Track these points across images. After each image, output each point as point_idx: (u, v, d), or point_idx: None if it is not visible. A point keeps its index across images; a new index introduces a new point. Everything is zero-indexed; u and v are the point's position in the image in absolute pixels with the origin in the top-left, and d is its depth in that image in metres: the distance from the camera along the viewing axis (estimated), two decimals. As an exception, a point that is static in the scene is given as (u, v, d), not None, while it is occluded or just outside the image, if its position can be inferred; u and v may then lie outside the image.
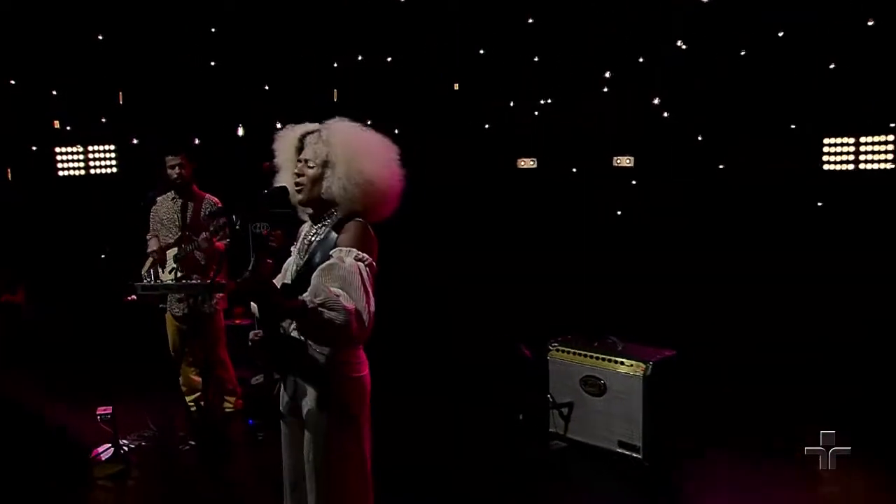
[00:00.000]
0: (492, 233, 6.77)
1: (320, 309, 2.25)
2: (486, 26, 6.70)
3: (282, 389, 2.61)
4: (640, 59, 6.42)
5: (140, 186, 4.98)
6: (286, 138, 2.61)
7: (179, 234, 4.78)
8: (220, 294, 4.73)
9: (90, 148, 7.10)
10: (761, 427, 4.76)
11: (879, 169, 5.87)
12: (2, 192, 6.73)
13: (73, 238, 6.73)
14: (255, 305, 2.52)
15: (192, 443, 4.69)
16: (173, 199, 4.85)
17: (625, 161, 6.65)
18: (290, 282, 2.53)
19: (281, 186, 2.57)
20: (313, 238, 2.55)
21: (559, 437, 4.60)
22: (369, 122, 2.58)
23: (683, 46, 6.24)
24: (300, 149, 2.55)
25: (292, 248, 2.68)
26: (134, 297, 4.50)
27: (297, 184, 2.51)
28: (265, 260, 2.31)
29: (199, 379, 4.98)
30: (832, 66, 5.90)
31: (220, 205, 4.80)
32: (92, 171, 7.11)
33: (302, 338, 2.43)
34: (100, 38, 6.73)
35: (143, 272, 4.88)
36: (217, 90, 6.87)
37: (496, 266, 6.52)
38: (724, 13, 6.03)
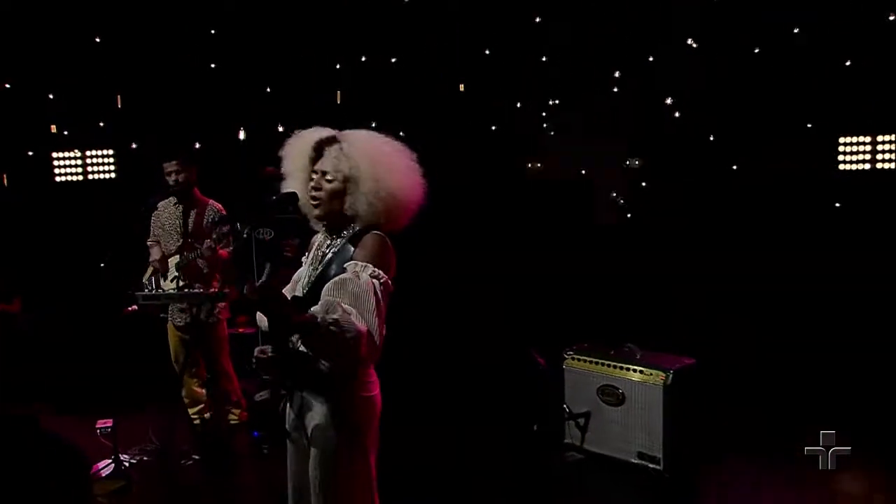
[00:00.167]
0: (499, 235, 6.64)
1: (332, 328, 2.12)
2: (492, 26, 6.59)
3: (287, 406, 2.51)
4: (651, 59, 6.31)
5: (140, 192, 4.84)
6: (297, 145, 2.48)
7: (181, 241, 4.66)
8: (223, 303, 4.62)
9: (88, 153, 6.93)
10: (784, 433, 4.63)
11: (897, 168, 5.75)
12: (-2, 198, 6.60)
13: (71, 246, 6.59)
14: (263, 318, 2.40)
15: (196, 457, 4.56)
16: (175, 204, 4.71)
17: (635, 162, 6.56)
18: (301, 294, 2.41)
19: (290, 192, 2.45)
20: (328, 250, 2.44)
21: (575, 448, 4.47)
22: (374, 125, 2.49)
23: (694, 45, 6.13)
24: (314, 158, 2.42)
25: (303, 259, 2.57)
26: (135, 307, 4.39)
27: (313, 197, 2.40)
28: (279, 269, 2.19)
29: (202, 391, 4.90)
30: (848, 64, 5.78)
31: (223, 212, 4.68)
32: (90, 177, 6.95)
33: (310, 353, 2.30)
34: (97, 40, 6.61)
35: (143, 280, 4.77)
36: (217, 92, 6.75)
37: (506, 267, 6.39)
38: (736, 11, 5.91)
